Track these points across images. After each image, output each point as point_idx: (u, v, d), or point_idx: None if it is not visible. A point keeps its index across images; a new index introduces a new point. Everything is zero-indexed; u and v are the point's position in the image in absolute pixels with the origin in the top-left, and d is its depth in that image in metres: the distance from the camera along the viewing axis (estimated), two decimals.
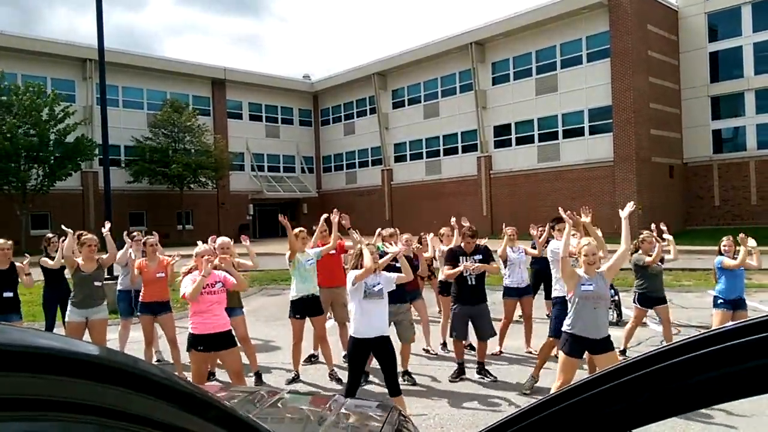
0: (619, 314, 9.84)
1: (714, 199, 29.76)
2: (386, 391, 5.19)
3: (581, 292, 4.95)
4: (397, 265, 5.62)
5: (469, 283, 6.75)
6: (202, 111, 37.42)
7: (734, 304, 6.83)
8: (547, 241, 8.00)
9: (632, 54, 27.27)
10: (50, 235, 8.43)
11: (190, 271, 5.41)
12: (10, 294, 6.66)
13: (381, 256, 5.49)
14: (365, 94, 40.24)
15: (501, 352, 7.97)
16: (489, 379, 6.68)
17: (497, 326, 7.90)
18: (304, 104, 44.42)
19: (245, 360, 6.53)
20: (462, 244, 7.02)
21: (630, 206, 5.61)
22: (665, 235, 7.91)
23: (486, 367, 6.85)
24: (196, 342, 5.26)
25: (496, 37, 32.46)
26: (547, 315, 6.83)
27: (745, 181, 28.68)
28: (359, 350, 5.20)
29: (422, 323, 8.15)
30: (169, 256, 7.52)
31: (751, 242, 6.74)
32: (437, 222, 17.16)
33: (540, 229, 8.91)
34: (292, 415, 2.42)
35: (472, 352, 7.41)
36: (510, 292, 7.94)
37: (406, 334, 6.77)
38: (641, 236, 7.80)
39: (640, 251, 7.63)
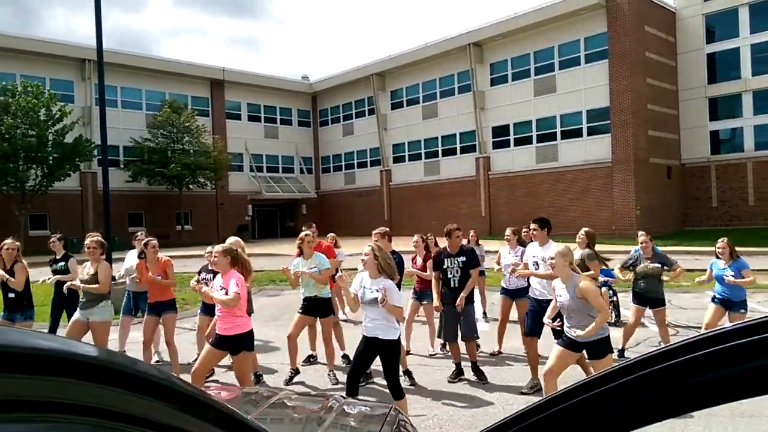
0: (618, 315, 9.86)
1: (712, 200, 29.83)
2: (388, 391, 5.20)
3: (557, 298, 5.26)
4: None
5: (452, 285, 6.86)
6: (201, 111, 37.43)
7: (724, 303, 7.00)
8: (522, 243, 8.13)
9: (630, 55, 27.33)
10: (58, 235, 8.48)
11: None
12: (13, 294, 6.73)
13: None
14: (364, 94, 40.26)
15: (500, 351, 7.98)
16: (481, 381, 6.65)
17: (494, 326, 7.93)
18: (302, 105, 44.43)
19: None
20: (447, 245, 7.03)
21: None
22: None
23: (480, 367, 6.82)
24: (215, 336, 5.50)
25: (494, 38, 32.51)
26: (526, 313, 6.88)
27: (743, 181, 28.75)
28: (360, 345, 5.28)
29: (428, 325, 8.16)
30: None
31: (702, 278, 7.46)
32: (436, 222, 17.26)
33: (525, 232, 8.93)
34: (291, 415, 2.41)
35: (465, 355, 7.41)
36: (504, 293, 7.98)
37: None
38: (640, 238, 7.83)
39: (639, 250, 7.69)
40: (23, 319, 6.80)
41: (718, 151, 29.98)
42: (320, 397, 2.91)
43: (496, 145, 33.37)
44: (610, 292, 9.97)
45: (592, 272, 6.36)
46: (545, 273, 6.45)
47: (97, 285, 6.46)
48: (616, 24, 27.73)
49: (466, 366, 6.93)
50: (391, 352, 5.11)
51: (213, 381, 6.85)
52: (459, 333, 6.89)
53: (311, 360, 7.79)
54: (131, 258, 8.05)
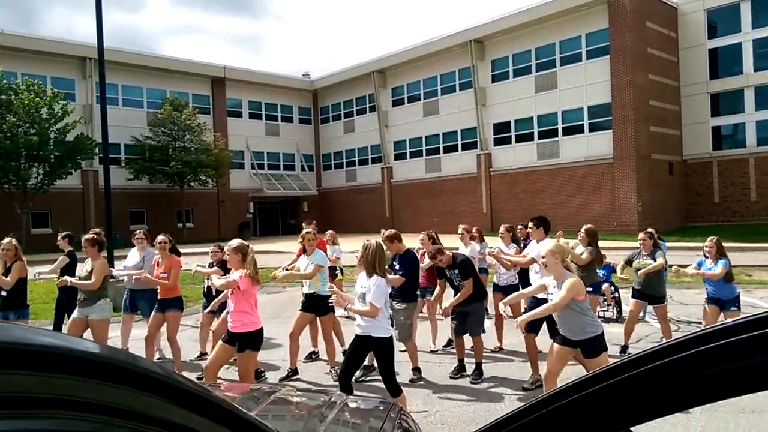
0: (619, 311, 9.85)
1: (714, 196, 29.76)
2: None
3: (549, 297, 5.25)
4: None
5: (455, 284, 6.94)
6: (202, 109, 37.41)
7: (716, 302, 7.08)
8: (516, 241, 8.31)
9: (631, 51, 27.25)
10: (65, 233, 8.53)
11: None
12: (4, 293, 6.70)
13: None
14: (365, 91, 40.21)
15: (501, 348, 7.99)
16: (480, 379, 6.64)
17: (491, 323, 7.94)
18: (303, 102, 44.39)
19: None
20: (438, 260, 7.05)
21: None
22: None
23: (482, 368, 6.78)
24: (227, 332, 5.56)
25: (495, 35, 32.43)
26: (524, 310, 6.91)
27: (745, 177, 28.68)
28: (352, 343, 5.35)
29: (430, 322, 8.18)
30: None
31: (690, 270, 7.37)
32: (437, 219, 17.19)
33: (520, 229, 9.03)
34: (293, 412, 2.42)
35: (471, 350, 7.41)
36: (496, 288, 8.02)
37: (400, 335, 6.77)
38: (640, 235, 7.87)
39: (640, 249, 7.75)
40: (17, 318, 6.76)
41: (720, 147, 29.91)
42: (322, 393, 2.92)
43: (498, 142, 33.31)
44: (612, 288, 9.98)
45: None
46: (517, 258, 7.02)
47: (89, 282, 6.46)
48: (617, 20, 27.64)
49: (470, 364, 6.92)
50: (383, 349, 5.14)
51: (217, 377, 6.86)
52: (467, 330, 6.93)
53: (313, 357, 7.81)
54: (133, 256, 8.05)
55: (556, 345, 5.17)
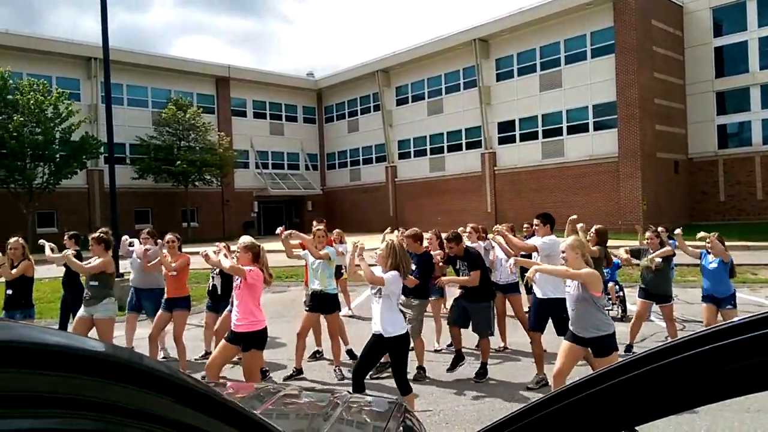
0: (624, 310, 9.84)
1: (719, 195, 29.64)
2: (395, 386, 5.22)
3: (564, 291, 5.21)
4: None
5: (461, 275, 6.94)
6: (207, 109, 37.48)
7: (712, 300, 7.09)
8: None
9: (637, 49, 27.15)
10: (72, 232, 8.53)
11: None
12: (10, 291, 6.74)
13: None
14: (369, 91, 40.20)
15: (506, 347, 7.98)
16: (483, 379, 6.62)
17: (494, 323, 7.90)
18: (308, 102, 44.41)
19: None
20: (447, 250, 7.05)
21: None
22: (677, 231, 7.89)
23: (486, 368, 6.75)
24: (229, 330, 5.54)
25: (500, 34, 32.36)
26: (529, 308, 6.91)
27: (751, 176, 28.56)
28: (369, 341, 5.30)
29: (435, 321, 8.18)
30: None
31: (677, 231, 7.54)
32: (441, 218, 17.20)
33: (527, 228, 9.06)
34: (297, 411, 2.42)
35: (477, 350, 7.40)
36: (495, 288, 7.97)
37: (411, 331, 6.75)
38: (647, 233, 7.87)
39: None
40: (23, 317, 6.79)
41: (726, 146, 29.77)
42: (326, 392, 2.92)
43: (502, 141, 33.25)
44: (617, 287, 9.96)
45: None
46: (522, 243, 6.86)
47: (87, 265, 6.49)
48: (622, 18, 27.54)
49: (472, 364, 6.91)
50: (398, 347, 5.12)
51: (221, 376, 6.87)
52: (470, 325, 6.91)
53: (317, 356, 7.82)
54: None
55: (566, 342, 5.12)
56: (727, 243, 7.27)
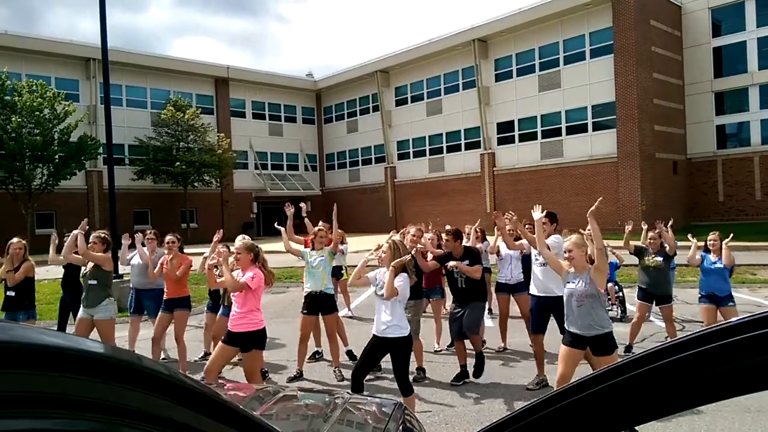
0: (624, 311, 9.84)
1: (718, 195, 29.67)
2: (397, 386, 5.21)
3: (565, 288, 5.11)
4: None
5: (459, 285, 6.82)
6: (206, 110, 37.48)
7: (712, 299, 7.10)
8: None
9: (635, 50, 27.18)
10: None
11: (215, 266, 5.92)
12: (13, 293, 6.74)
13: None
14: (368, 91, 40.22)
15: (505, 348, 7.96)
16: (481, 373, 6.58)
17: (496, 323, 7.89)
18: (307, 102, 44.42)
19: None
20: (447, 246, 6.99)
21: (596, 204, 5.56)
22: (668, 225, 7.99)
23: (482, 362, 6.67)
24: (226, 332, 5.53)
25: (499, 34, 32.39)
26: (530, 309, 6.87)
27: (749, 176, 28.59)
28: (370, 342, 5.28)
29: (435, 321, 8.16)
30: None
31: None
32: (440, 219, 17.22)
33: (528, 227, 8.93)
34: (297, 412, 2.42)
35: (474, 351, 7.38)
36: (500, 288, 7.94)
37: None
38: (649, 233, 7.91)
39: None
40: (26, 318, 6.80)
41: (725, 146, 29.81)
42: (325, 393, 2.92)
43: (501, 141, 33.27)
44: (617, 287, 9.96)
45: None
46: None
47: (85, 247, 6.48)
48: (621, 18, 27.57)
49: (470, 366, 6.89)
50: (401, 348, 5.11)
51: (220, 377, 6.87)
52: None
53: (317, 357, 7.81)
54: (137, 258, 8.06)
55: (565, 347, 5.07)
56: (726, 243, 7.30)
